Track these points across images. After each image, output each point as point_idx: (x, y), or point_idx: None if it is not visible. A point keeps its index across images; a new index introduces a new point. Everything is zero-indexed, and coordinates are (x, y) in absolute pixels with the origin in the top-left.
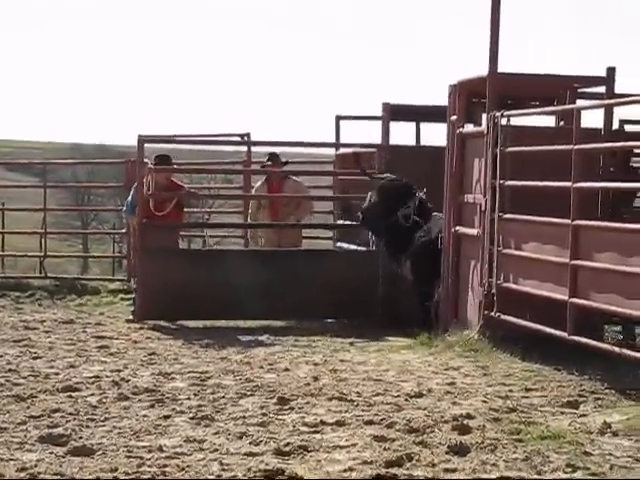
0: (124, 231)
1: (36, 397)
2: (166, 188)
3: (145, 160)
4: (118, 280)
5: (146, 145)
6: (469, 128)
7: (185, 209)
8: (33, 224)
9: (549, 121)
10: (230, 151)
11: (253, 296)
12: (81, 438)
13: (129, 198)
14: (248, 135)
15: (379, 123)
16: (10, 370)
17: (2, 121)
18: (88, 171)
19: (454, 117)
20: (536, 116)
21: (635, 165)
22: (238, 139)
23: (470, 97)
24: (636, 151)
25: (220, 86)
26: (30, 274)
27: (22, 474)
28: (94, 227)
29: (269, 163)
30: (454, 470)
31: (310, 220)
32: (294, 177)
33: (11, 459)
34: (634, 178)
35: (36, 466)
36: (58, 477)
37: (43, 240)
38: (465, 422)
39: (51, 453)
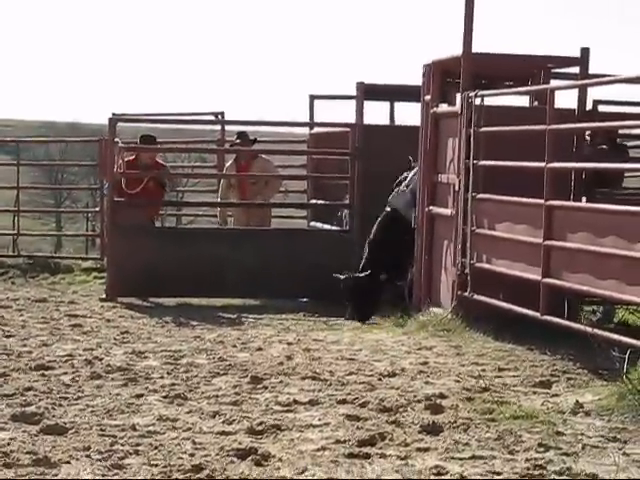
0: (97, 209)
1: (9, 375)
2: (149, 167)
3: (116, 139)
4: (91, 259)
5: (120, 124)
6: (443, 108)
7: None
8: (6, 202)
9: (523, 101)
10: (205, 130)
11: (226, 275)
12: (54, 417)
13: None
14: (222, 114)
15: (353, 102)
16: None
17: None
18: (61, 149)
19: (428, 97)
20: (510, 96)
21: (625, 143)
22: (212, 118)
23: (444, 77)
24: (620, 131)
25: (194, 64)
26: (3, 252)
27: None
28: (67, 206)
29: (238, 142)
30: (427, 449)
31: (284, 199)
32: (263, 156)
33: None
34: (623, 157)
35: (9, 444)
36: (31, 455)
37: (16, 218)
38: (438, 402)
39: (24, 432)
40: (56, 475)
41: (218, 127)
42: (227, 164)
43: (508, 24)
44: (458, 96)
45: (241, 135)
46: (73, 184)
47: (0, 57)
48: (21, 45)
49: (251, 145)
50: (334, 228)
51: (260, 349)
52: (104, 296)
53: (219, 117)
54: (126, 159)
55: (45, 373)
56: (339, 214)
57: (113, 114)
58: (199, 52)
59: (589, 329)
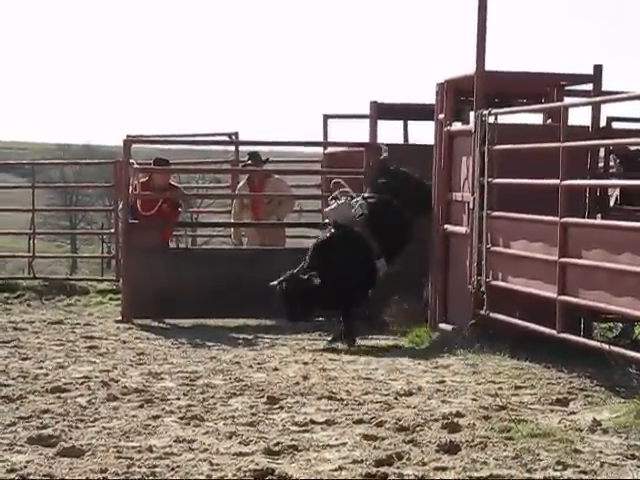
0: (112, 231)
1: (25, 398)
2: (163, 189)
3: (131, 161)
4: (107, 280)
5: (134, 146)
6: (457, 126)
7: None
8: (21, 225)
9: (536, 119)
10: (219, 150)
11: (241, 295)
12: (71, 439)
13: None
14: (236, 134)
15: (367, 122)
16: None
17: None
18: (76, 171)
19: (442, 115)
20: (523, 114)
21: None
22: (226, 138)
23: (458, 95)
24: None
25: (208, 85)
26: (19, 275)
27: (12, 475)
28: (82, 227)
29: (250, 162)
30: (444, 468)
31: (298, 219)
32: (276, 175)
33: (0, 460)
34: None
35: (26, 467)
36: (48, 478)
37: (32, 241)
38: (455, 420)
39: (41, 454)
40: None
41: (232, 148)
42: (240, 184)
43: (521, 41)
44: (472, 114)
45: (252, 155)
46: (88, 206)
47: (15, 81)
48: (35, 69)
49: (263, 165)
50: None
51: (276, 369)
52: (120, 318)
53: (233, 137)
54: (140, 181)
55: (61, 395)
56: None
57: (128, 136)
58: (212, 73)
59: (606, 346)
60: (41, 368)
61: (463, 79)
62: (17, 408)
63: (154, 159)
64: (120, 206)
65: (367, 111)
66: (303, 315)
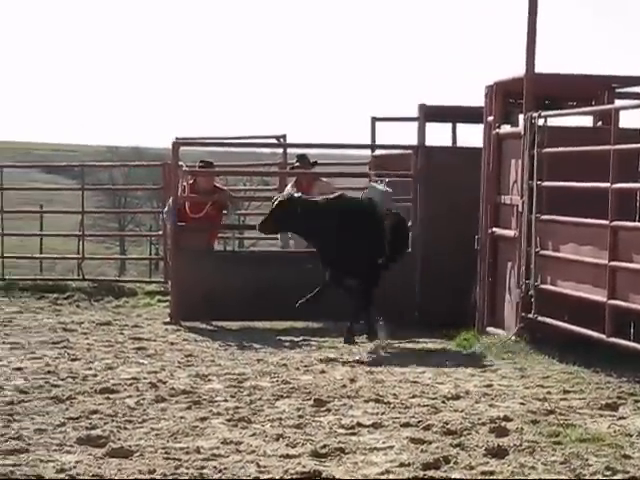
0: (161, 233)
1: (75, 399)
2: (208, 192)
3: (180, 163)
4: (155, 282)
5: (182, 148)
6: (506, 129)
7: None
8: (71, 227)
9: (587, 121)
10: (267, 153)
11: (288, 297)
12: (119, 439)
13: (170, 202)
14: (284, 137)
15: (415, 124)
16: (49, 372)
17: (37, 124)
18: (124, 174)
19: (491, 118)
20: (573, 116)
21: None
22: (274, 141)
23: (507, 98)
24: None
25: (257, 88)
26: (68, 276)
27: (61, 475)
28: (131, 229)
29: (297, 164)
30: (492, 473)
31: None
32: (324, 179)
33: (50, 460)
34: None
35: (75, 467)
36: (97, 478)
37: (81, 242)
38: (503, 424)
39: (90, 454)
40: None
41: (280, 150)
42: (287, 187)
43: (571, 43)
44: (521, 117)
45: (301, 158)
46: (136, 208)
47: (65, 84)
48: (86, 71)
49: (311, 168)
50: None
51: (323, 372)
52: (168, 319)
53: (281, 140)
54: (187, 183)
55: (110, 396)
56: None
57: (176, 138)
58: (261, 75)
59: None
60: (90, 369)
61: (512, 81)
62: (67, 409)
63: (199, 162)
64: (166, 208)
65: (415, 113)
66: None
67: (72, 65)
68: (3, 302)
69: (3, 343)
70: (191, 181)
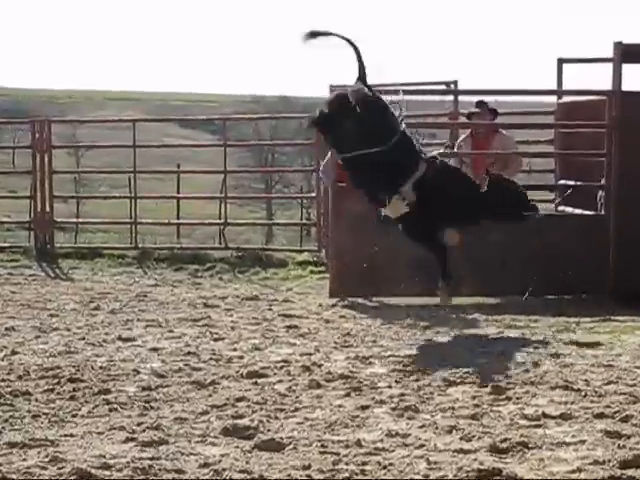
0: (314, 195)
1: (218, 384)
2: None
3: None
4: (307, 251)
5: None
6: None
7: None
8: (211, 188)
9: None
10: (435, 101)
11: (462, 270)
12: (269, 431)
13: (328, 158)
14: (455, 83)
15: (609, 66)
16: (189, 353)
17: (174, 74)
18: (271, 127)
19: None
20: None
21: None
22: (443, 87)
23: None
24: None
25: (423, 29)
26: (209, 244)
27: (205, 470)
28: (279, 190)
29: (477, 111)
30: None
31: (527, 181)
32: (503, 131)
33: (192, 453)
34: None
35: (220, 461)
36: (245, 475)
37: (223, 206)
38: None
39: (236, 447)
40: None
41: (450, 98)
42: (460, 139)
43: None
44: None
45: (480, 104)
46: (285, 166)
47: (203, 29)
48: (225, 16)
49: (492, 118)
50: (587, 213)
51: (502, 354)
52: (327, 295)
53: (451, 86)
54: None
55: (258, 381)
56: (597, 196)
57: (331, 86)
58: (427, 15)
59: None
60: (235, 350)
61: None
62: (210, 395)
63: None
64: (322, 167)
65: (610, 54)
66: None
67: (208, 7)
68: (137, 274)
69: (138, 320)
70: None
